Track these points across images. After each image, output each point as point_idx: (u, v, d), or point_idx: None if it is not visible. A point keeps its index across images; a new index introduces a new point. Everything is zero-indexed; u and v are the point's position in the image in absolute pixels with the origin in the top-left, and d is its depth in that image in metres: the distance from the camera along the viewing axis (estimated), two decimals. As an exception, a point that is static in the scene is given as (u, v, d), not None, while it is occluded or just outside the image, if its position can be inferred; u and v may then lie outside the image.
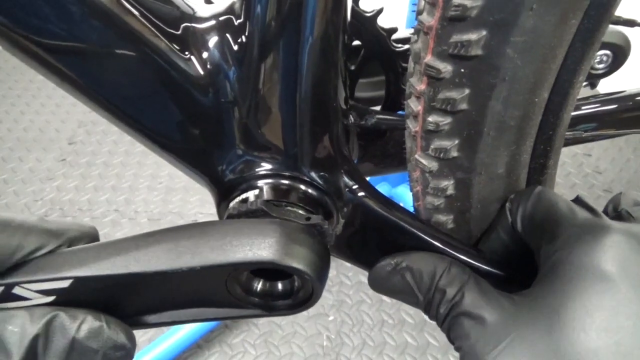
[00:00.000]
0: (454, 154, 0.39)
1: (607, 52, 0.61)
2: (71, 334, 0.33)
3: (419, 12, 0.36)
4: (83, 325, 0.34)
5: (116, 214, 1.62)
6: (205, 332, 1.27)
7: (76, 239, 0.38)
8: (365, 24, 0.53)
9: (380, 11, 0.53)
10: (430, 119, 0.38)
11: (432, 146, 0.39)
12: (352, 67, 0.56)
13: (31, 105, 2.09)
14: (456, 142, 0.38)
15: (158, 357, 1.19)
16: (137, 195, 1.69)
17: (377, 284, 0.43)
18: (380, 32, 0.54)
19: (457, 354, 0.36)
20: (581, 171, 1.73)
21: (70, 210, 1.63)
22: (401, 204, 0.46)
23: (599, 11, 0.33)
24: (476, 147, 0.38)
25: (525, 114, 0.37)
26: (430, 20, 0.34)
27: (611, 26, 0.58)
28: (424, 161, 0.41)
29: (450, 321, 0.37)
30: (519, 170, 0.41)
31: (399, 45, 0.55)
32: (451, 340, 0.37)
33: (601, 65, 0.62)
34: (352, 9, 0.52)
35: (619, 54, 0.62)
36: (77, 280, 0.35)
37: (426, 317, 0.40)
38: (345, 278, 1.42)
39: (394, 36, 0.55)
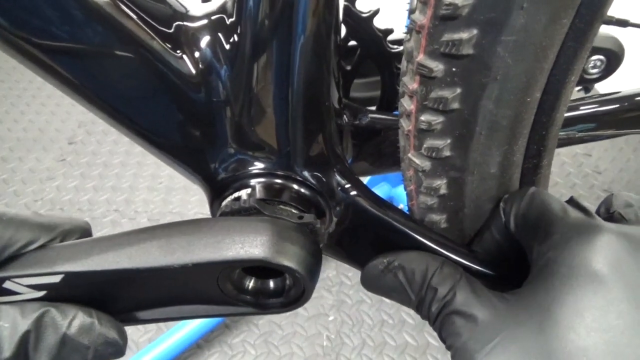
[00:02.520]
0: (447, 153, 0.39)
1: (601, 57, 0.62)
2: (62, 330, 0.33)
3: (412, 11, 0.36)
4: (74, 321, 0.34)
5: (116, 214, 1.62)
6: (205, 332, 1.27)
7: (69, 233, 0.38)
8: (362, 24, 0.53)
9: (376, 12, 0.53)
10: (422, 118, 0.38)
11: (424, 145, 0.39)
12: (348, 68, 0.56)
13: (31, 105, 2.09)
14: (448, 141, 0.38)
15: (158, 357, 1.19)
16: (137, 195, 1.69)
17: (370, 283, 0.43)
18: (376, 33, 0.54)
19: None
20: (581, 171, 1.73)
21: (70, 210, 1.63)
22: (401, 205, 0.46)
23: (591, 10, 0.33)
24: (468, 146, 0.38)
25: (517, 114, 0.37)
26: (422, 19, 0.34)
27: (605, 32, 0.59)
28: (417, 160, 0.41)
29: (441, 320, 0.37)
30: (512, 170, 0.41)
31: (395, 46, 0.55)
32: (443, 338, 0.37)
33: (595, 70, 0.63)
34: (349, 9, 0.52)
35: (613, 59, 0.62)
36: (68, 276, 0.35)
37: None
38: (345, 278, 1.42)
39: (390, 37, 0.55)
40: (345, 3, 0.51)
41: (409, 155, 0.41)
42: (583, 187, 1.67)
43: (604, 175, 1.72)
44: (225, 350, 1.27)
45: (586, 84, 0.65)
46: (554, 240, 0.35)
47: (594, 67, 0.63)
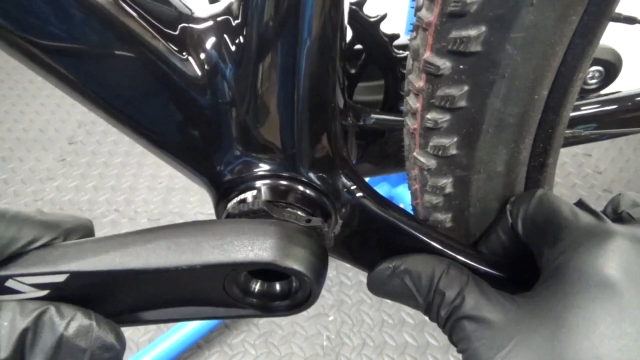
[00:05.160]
0: (453, 151, 0.38)
1: (600, 68, 0.63)
2: (59, 331, 0.33)
3: (418, 9, 0.35)
4: (72, 322, 0.33)
5: (116, 214, 1.62)
6: (205, 332, 1.27)
7: (72, 231, 0.37)
8: (369, 28, 0.53)
9: (383, 17, 0.53)
10: (429, 116, 0.37)
11: (430, 144, 0.39)
12: (353, 71, 0.56)
13: (31, 105, 2.09)
14: (455, 139, 0.38)
15: (158, 357, 1.19)
16: (137, 195, 1.69)
17: (377, 288, 0.43)
18: (382, 38, 0.54)
19: (457, 355, 0.35)
20: (581, 171, 1.73)
21: (70, 210, 1.63)
22: (401, 205, 0.46)
23: (600, 7, 0.33)
24: (475, 144, 0.38)
25: (525, 112, 0.37)
26: (429, 16, 0.33)
27: (603, 43, 0.59)
28: (422, 159, 0.40)
29: (451, 324, 0.37)
30: (518, 169, 0.41)
31: (400, 51, 0.55)
32: (454, 342, 0.37)
33: (594, 81, 0.64)
34: (356, 13, 0.52)
35: (611, 70, 0.63)
36: (73, 275, 0.35)
37: (426, 318, 0.40)
38: (345, 278, 1.42)
39: (396, 42, 0.55)
40: (354, 7, 0.51)
41: (414, 153, 0.41)
42: (583, 187, 1.67)
43: (604, 175, 1.72)
44: (225, 350, 1.27)
45: (584, 94, 0.65)
46: (565, 244, 0.34)
47: (592, 77, 0.64)
